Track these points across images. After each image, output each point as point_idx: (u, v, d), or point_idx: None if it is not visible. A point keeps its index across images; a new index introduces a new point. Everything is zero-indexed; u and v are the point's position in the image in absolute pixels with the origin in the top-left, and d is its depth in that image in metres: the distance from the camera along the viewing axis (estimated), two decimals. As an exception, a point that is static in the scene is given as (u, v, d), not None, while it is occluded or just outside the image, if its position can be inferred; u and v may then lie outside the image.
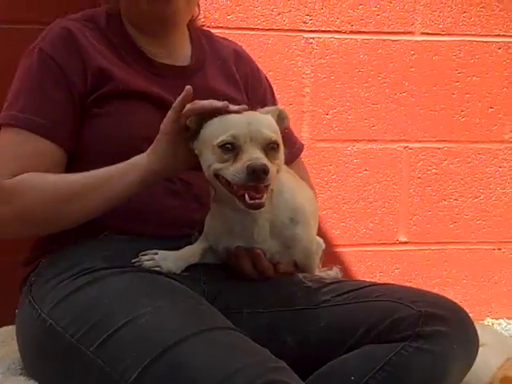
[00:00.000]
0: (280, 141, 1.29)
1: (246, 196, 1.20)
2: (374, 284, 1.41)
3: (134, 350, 1.09)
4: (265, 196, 1.21)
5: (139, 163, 1.31)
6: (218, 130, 1.25)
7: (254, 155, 1.20)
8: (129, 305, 1.17)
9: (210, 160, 1.26)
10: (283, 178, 1.37)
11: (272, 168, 1.21)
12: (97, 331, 1.14)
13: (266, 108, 1.37)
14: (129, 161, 1.32)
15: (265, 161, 1.20)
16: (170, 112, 1.27)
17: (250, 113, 1.29)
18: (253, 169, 1.17)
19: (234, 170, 1.20)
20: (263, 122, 1.28)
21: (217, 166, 1.24)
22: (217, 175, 1.26)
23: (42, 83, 1.40)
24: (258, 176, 1.18)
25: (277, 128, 1.31)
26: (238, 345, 1.11)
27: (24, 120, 1.38)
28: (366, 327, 1.24)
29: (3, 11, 1.85)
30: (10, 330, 1.48)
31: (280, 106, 1.36)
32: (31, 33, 1.51)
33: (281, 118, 1.34)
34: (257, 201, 1.20)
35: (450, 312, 1.25)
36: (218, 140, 1.23)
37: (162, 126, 1.29)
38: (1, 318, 1.55)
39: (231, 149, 1.22)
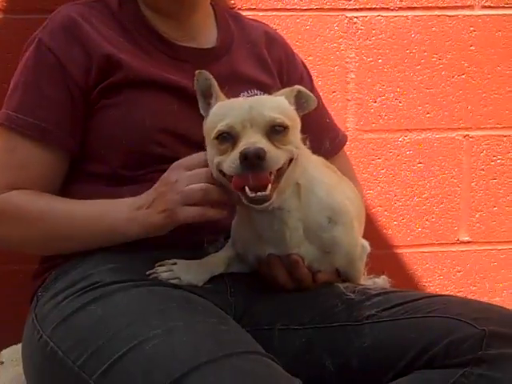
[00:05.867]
0: (291, 123, 1.20)
1: (247, 189, 1.12)
2: (428, 296, 1.30)
3: (138, 381, 1.02)
4: (269, 187, 1.12)
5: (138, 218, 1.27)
6: (215, 121, 1.21)
7: (250, 140, 1.13)
8: (136, 326, 1.10)
9: (212, 155, 1.21)
10: (316, 172, 1.31)
11: (275, 153, 1.13)
12: (100, 358, 1.08)
13: (282, 90, 1.31)
14: (125, 211, 1.29)
15: (262, 144, 1.12)
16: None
17: (255, 97, 1.25)
18: (245, 155, 1.10)
19: (229, 161, 1.14)
20: (268, 103, 1.21)
21: (217, 159, 1.19)
22: (221, 171, 1.20)
23: (37, 78, 1.40)
24: (251, 162, 1.09)
25: (288, 109, 1.24)
26: (261, 374, 1.01)
27: (17, 121, 1.37)
28: (417, 349, 1.13)
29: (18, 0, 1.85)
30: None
31: (298, 86, 1.29)
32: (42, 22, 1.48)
33: (301, 100, 1.27)
34: (259, 193, 1.11)
35: (521, 330, 1.15)
36: (214, 132, 1.18)
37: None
38: (15, 335, 1.48)
39: (228, 138, 1.17)
